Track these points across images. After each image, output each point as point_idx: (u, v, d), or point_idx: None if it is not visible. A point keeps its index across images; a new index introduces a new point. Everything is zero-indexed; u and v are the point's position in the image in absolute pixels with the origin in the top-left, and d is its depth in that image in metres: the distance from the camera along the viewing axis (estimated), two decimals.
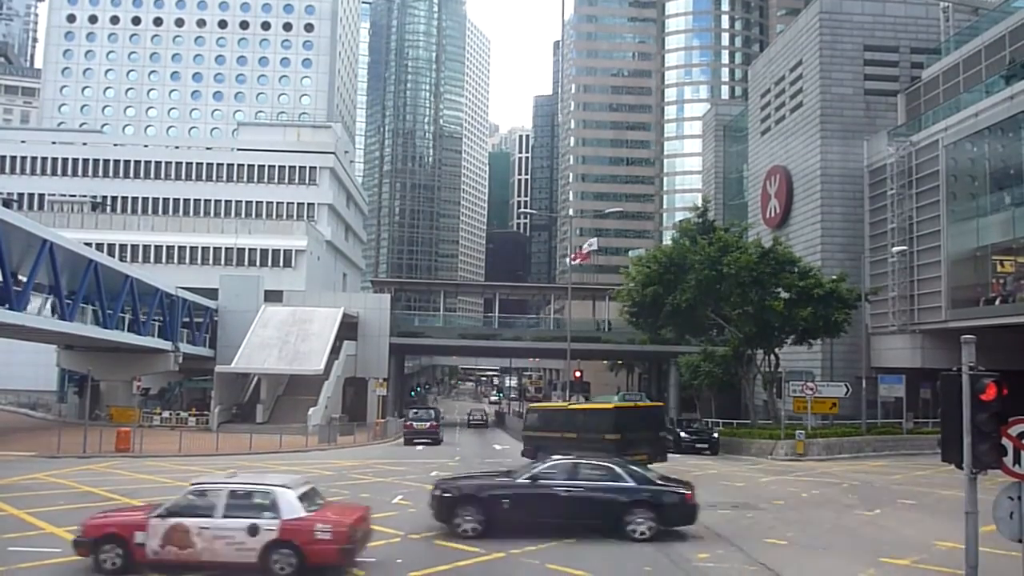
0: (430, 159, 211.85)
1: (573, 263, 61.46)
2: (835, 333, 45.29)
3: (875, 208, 54.06)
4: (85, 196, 78.74)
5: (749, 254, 43.76)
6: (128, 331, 48.51)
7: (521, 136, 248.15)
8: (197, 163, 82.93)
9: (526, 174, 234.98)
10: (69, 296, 41.46)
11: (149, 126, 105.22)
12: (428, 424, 50.26)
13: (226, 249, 71.50)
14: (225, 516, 13.60)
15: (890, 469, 33.83)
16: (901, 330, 50.13)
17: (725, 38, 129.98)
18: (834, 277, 45.64)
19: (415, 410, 55.71)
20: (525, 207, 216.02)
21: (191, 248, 71.97)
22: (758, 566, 14.96)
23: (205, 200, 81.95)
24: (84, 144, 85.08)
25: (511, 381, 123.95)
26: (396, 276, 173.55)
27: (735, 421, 52.58)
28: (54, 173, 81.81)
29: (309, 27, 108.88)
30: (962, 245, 44.82)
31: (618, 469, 17.69)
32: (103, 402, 54.23)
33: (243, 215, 79.84)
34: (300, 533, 13.49)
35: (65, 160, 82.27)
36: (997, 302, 40.90)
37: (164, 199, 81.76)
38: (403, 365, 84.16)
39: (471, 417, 74.29)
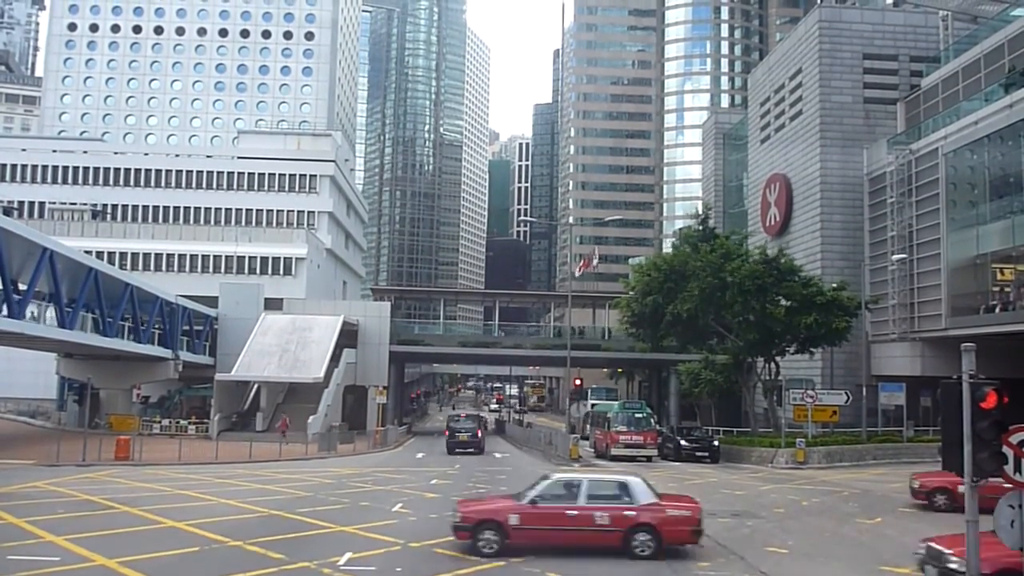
0: (430, 167, 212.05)
1: (577, 273, 61.58)
2: (837, 341, 45.27)
3: (875, 216, 54.07)
4: (85, 204, 78.80)
5: (753, 262, 43.75)
6: (128, 339, 48.51)
7: (521, 144, 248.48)
8: (197, 171, 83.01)
9: (526, 182, 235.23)
10: (69, 304, 41.45)
11: (149, 134, 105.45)
12: (469, 434, 47.61)
13: (226, 257, 71.53)
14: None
15: (891, 477, 33.74)
16: (901, 338, 50.09)
17: (725, 46, 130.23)
18: (835, 285, 45.62)
19: (456, 417, 52.29)
20: (525, 215, 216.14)
21: (191, 256, 72.00)
22: (759, 574, 14.93)
23: (205, 208, 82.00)
24: (84, 152, 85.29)
25: (512, 389, 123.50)
26: (396, 284, 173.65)
27: (735, 429, 52.52)
28: (54, 181, 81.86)
29: (309, 35, 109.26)
30: (962, 253, 44.80)
31: None
32: (103, 410, 54.17)
33: (243, 223, 79.88)
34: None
35: (65, 168, 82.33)
36: (997, 310, 40.88)
37: (164, 207, 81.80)
38: (403, 373, 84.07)
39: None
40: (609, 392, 71.89)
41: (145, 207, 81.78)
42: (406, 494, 25.65)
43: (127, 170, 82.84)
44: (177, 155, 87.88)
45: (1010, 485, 10.90)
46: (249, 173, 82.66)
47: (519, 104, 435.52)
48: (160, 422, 54.32)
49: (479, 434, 48.65)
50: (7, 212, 59.52)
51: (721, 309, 44.50)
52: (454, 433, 48.42)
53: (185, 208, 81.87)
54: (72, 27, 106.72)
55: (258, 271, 71.38)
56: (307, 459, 40.64)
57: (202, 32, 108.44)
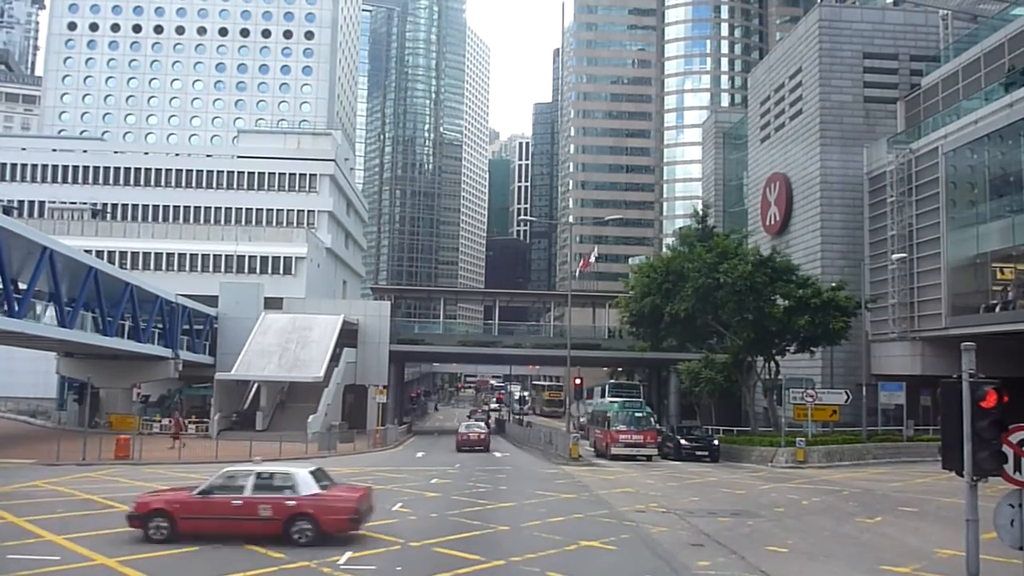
0: (430, 166, 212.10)
1: (578, 273, 61.54)
2: (834, 341, 45.29)
3: (875, 215, 54.06)
4: (85, 203, 78.80)
5: (746, 263, 43.74)
6: (128, 338, 48.48)
7: (521, 143, 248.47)
8: (197, 170, 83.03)
9: (526, 181, 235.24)
10: (69, 303, 41.43)
11: (149, 133, 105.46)
12: (480, 433, 52.15)
13: (226, 256, 71.52)
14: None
15: (890, 476, 33.78)
16: (901, 337, 50.08)
17: (725, 46, 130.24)
18: (832, 284, 45.61)
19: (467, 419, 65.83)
20: (525, 214, 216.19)
21: (191, 255, 71.96)
22: (759, 574, 14.93)
23: (205, 207, 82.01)
24: (84, 151, 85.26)
25: (519, 391, 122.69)
26: (396, 283, 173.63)
27: (735, 428, 52.53)
28: (54, 180, 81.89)
29: (309, 35, 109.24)
30: (962, 252, 44.80)
31: None
32: (103, 409, 54.14)
33: (243, 222, 79.89)
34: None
35: (65, 167, 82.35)
36: (997, 309, 40.88)
37: (164, 206, 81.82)
38: (403, 372, 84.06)
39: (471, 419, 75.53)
40: (631, 388, 68.61)
41: (145, 206, 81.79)
42: (406, 493, 25.66)
43: (127, 169, 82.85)
44: (177, 154, 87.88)
45: None
46: (249, 172, 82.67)
47: (519, 103, 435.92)
48: (160, 421, 54.30)
49: (488, 424, 62.42)
50: (7, 211, 59.49)
51: (717, 309, 44.57)
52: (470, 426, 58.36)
53: (185, 207, 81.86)
54: (72, 26, 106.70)
55: (258, 270, 71.36)
56: (307, 458, 40.60)
57: (202, 31, 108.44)
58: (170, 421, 49.57)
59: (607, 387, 65.65)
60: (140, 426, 50.11)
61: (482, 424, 57.88)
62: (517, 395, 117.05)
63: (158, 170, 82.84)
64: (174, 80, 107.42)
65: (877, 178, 53.79)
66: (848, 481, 32.03)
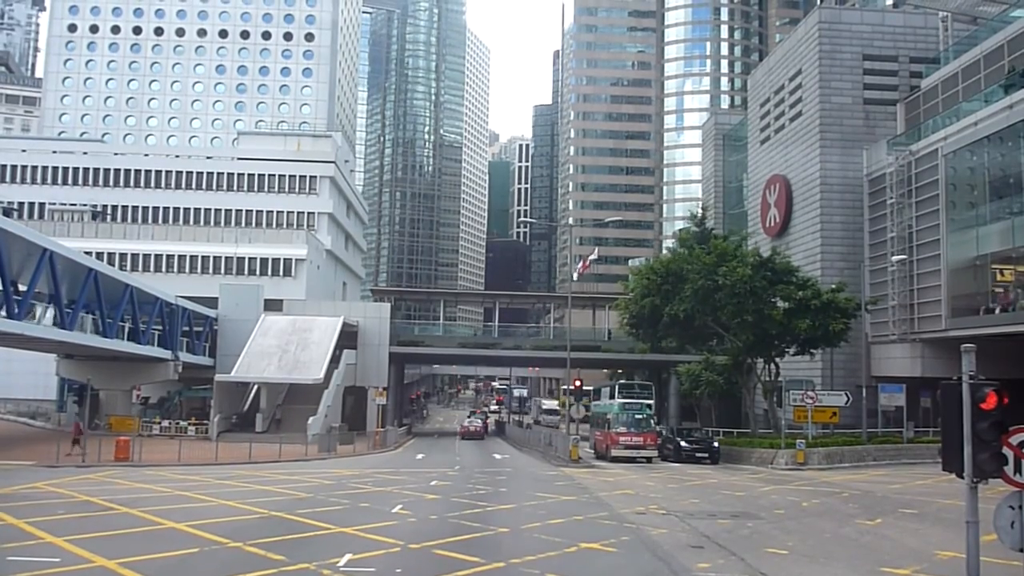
0: (430, 168, 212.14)
1: (577, 274, 61.50)
2: (834, 343, 45.25)
3: (875, 217, 54.05)
4: (85, 205, 78.83)
5: (745, 265, 43.68)
6: (128, 340, 48.51)
7: (521, 145, 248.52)
8: (197, 172, 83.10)
9: (526, 183, 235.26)
10: (69, 305, 41.44)
11: (149, 135, 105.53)
12: (477, 427, 70.36)
13: (226, 258, 71.53)
14: None
15: (891, 478, 33.75)
16: (901, 339, 50.06)
17: (725, 47, 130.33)
18: (832, 286, 45.57)
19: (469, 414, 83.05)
20: (525, 216, 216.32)
21: (191, 257, 71.99)
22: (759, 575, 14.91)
23: (205, 209, 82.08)
24: (84, 153, 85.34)
25: (524, 391, 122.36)
26: (396, 285, 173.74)
27: (735, 430, 52.48)
28: (54, 182, 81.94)
29: (309, 37, 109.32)
30: (962, 254, 44.77)
31: None
32: (103, 411, 54.16)
33: (243, 224, 79.94)
34: None
35: (65, 169, 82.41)
36: (997, 311, 40.85)
37: (164, 208, 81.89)
38: (403, 374, 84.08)
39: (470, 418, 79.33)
40: (643, 389, 66.33)
41: (145, 208, 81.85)
42: (406, 495, 25.63)
43: (127, 171, 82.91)
44: (177, 156, 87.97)
45: None
46: (249, 174, 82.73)
47: (519, 105, 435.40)
48: (160, 423, 54.32)
49: (485, 423, 74.25)
50: (7, 213, 59.58)
51: (717, 311, 44.53)
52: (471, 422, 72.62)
53: (185, 209, 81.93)
54: (72, 28, 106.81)
55: (258, 272, 71.39)
56: (307, 460, 40.63)
57: (202, 33, 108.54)
58: (72, 427, 40.98)
59: (617, 387, 65.11)
60: (140, 428, 50.15)
61: (479, 421, 75.54)
62: (534, 400, 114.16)
63: (158, 172, 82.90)
64: (174, 82, 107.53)
65: (877, 180, 53.78)
66: (848, 483, 32.00)
